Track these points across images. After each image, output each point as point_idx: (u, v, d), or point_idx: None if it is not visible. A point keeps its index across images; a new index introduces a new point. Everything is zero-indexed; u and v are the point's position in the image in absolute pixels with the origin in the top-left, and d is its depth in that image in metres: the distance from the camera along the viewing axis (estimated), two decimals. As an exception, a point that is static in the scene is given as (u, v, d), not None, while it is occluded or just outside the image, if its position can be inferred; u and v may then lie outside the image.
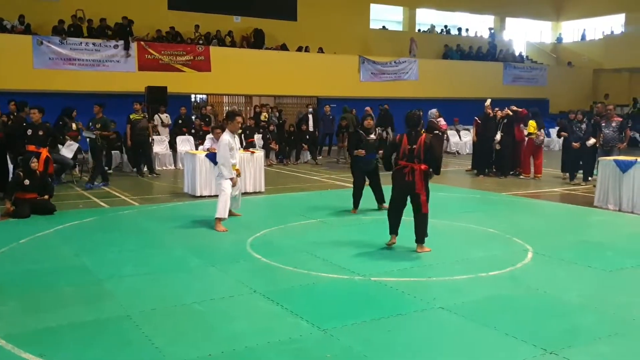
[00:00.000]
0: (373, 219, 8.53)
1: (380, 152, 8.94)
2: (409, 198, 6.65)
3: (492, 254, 6.59)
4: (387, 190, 9.27)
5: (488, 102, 13.92)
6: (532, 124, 13.32)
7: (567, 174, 12.94)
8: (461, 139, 20.93)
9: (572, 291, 5.29)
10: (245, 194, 10.52)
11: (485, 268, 5.94)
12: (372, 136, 8.84)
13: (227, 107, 20.86)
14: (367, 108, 17.86)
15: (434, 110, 15.92)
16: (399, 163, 6.66)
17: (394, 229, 6.89)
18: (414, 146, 6.55)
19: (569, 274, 5.87)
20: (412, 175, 6.51)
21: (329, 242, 7.11)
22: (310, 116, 17.93)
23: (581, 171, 12.76)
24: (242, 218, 8.46)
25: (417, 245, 6.66)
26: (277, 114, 18.54)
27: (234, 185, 7.87)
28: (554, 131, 23.31)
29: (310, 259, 6.32)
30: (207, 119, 16.65)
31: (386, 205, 8.98)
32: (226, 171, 7.65)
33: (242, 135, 15.22)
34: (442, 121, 16.12)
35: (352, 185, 9.14)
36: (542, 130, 13.66)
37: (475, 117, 14.46)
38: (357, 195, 8.99)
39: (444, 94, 23.33)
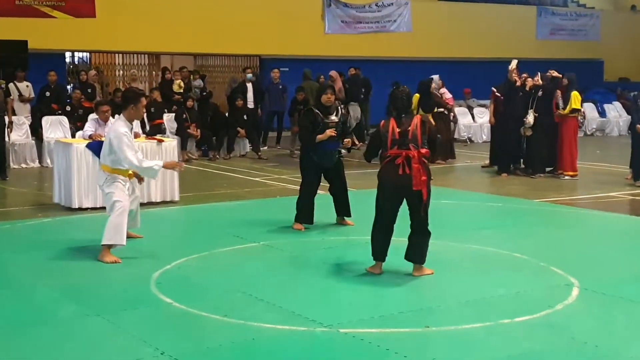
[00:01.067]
0: (343, 241, 8.54)
1: (347, 140, 9.02)
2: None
3: (519, 290, 6.66)
4: (360, 195, 9.25)
5: (513, 64, 14.12)
6: (576, 96, 13.60)
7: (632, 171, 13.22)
8: (475, 120, 21.23)
9: (637, 344, 5.40)
10: (148, 204, 10.41)
11: (509, 312, 6.00)
12: (334, 117, 8.89)
13: (120, 72, 20.62)
14: (332, 73, 17.91)
15: (435, 77, 16.10)
16: (388, 155, 6.84)
17: (380, 253, 6.99)
18: (408, 128, 6.79)
19: (632, 320, 5.98)
20: (409, 166, 6.67)
21: (276, 277, 7.08)
22: (249, 85, 17.88)
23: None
24: (144, 242, 8.37)
25: (414, 267, 6.86)
26: (199, 82, 18.42)
27: (176, 167, 8.19)
28: (610, 108, 23.90)
29: (248, 302, 6.28)
30: (89, 90, 16.42)
31: (351, 221, 9.09)
32: (150, 165, 7.71)
33: (145, 114, 15.11)
34: (446, 93, 16.35)
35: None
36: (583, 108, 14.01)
37: (493, 88, 14.65)
38: (305, 205, 9.04)
39: (448, 52, 23.60)
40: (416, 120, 6.88)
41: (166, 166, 7.99)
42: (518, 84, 13.87)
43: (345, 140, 9.01)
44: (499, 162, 14.47)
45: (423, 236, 6.90)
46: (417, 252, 6.90)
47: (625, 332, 5.70)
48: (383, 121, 7.04)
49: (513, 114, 13.84)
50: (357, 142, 17.09)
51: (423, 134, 6.80)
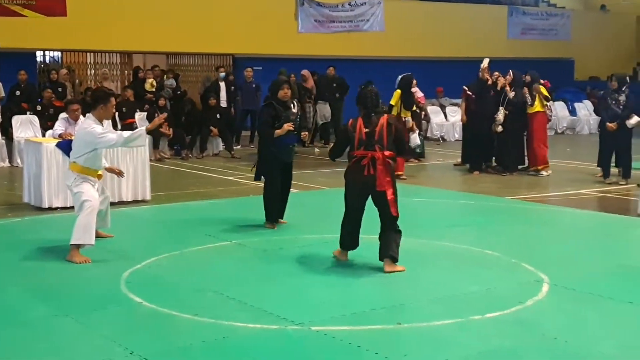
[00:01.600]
0: (315, 239, 8.53)
1: (304, 134, 9.11)
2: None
3: (490, 287, 6.70)
4: (331, 194, 9.23)
5: (485, 63, 14.21)
6: (542, 91, 13.74)
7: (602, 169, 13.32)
8: (447, 119, 21.33)
9: (606, 340, 5.43)
10: (119, 204, 10.34)
11: (479, 308, 6.02)
12: (293, 111, 9.03)
13: (92, 71, 20.46)
14: (304, 72, 17.98)
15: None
16: (354, 155, 6.98)
17: (349, 243, 7.19)
18: (375, 129, 6.93)
19: (602, 315, 6.03)
20: (374, 167, 6.81)
21: (248, 276, 7.07)
22: (222, 84, 17.88)
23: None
24: (115, 241, 8.32)
25: (385, 264, 6.92)
26: (172, 81, 18.34)
27: (159, 121, 8.33)
28: (580, 106, 24.12)
29: (219, 301, 6.26)
30: (60, 89, 16.29)
31: (283, 220, 9.14)
32: (131, 133, 7.82)
33: (116, 114, 15.03)
34: (418, 92, 16.39)
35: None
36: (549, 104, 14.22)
37: (465, 87, 14.71)
38: (273, 201, 9.03)
39: (421, 52, 23.66)
40: (382, 120, 7.00)
41: (150, 128, 8.36)
42: (489, 82, 13.97)
43: (302, 133, 9.11)
44: (470, 160, 14.53)
45: (394, 233, 6.97)
46: (388, 249, 6.95)
47: (595, 327, 5.73)
48: (351, 120, 7.15)
49: (484, 113, 13.90)
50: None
51: (389, 135, 6.94)
